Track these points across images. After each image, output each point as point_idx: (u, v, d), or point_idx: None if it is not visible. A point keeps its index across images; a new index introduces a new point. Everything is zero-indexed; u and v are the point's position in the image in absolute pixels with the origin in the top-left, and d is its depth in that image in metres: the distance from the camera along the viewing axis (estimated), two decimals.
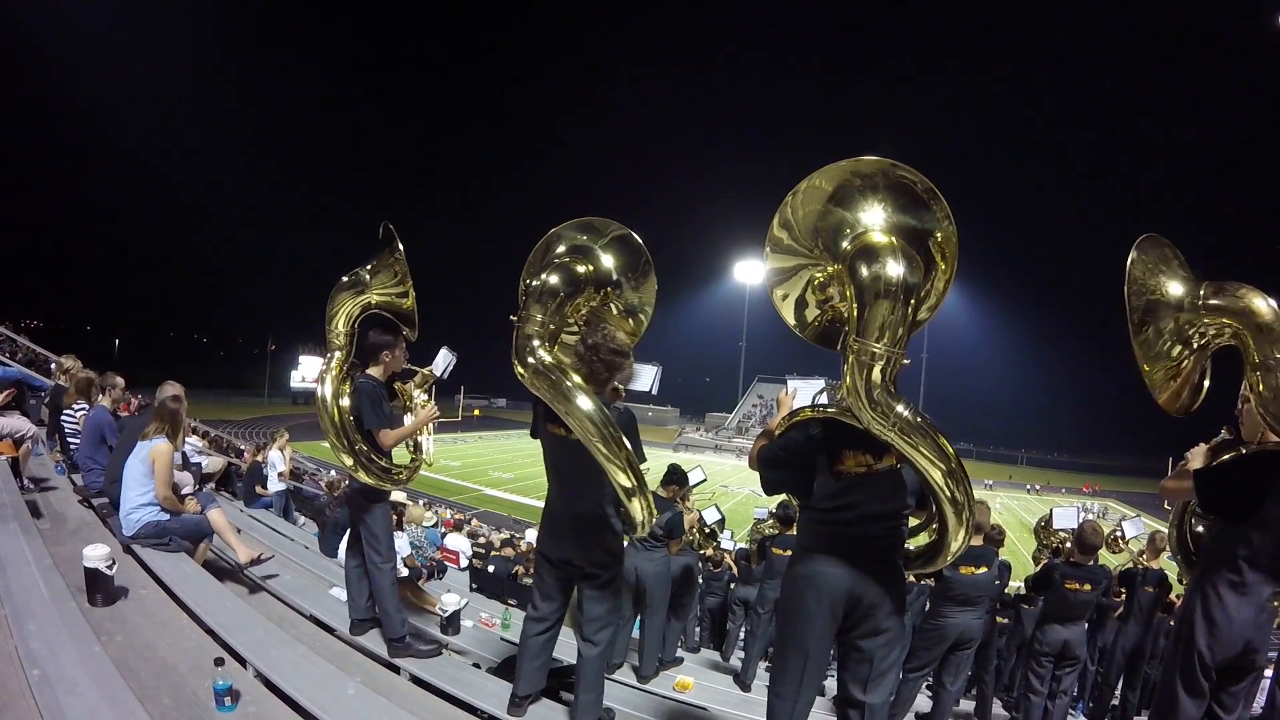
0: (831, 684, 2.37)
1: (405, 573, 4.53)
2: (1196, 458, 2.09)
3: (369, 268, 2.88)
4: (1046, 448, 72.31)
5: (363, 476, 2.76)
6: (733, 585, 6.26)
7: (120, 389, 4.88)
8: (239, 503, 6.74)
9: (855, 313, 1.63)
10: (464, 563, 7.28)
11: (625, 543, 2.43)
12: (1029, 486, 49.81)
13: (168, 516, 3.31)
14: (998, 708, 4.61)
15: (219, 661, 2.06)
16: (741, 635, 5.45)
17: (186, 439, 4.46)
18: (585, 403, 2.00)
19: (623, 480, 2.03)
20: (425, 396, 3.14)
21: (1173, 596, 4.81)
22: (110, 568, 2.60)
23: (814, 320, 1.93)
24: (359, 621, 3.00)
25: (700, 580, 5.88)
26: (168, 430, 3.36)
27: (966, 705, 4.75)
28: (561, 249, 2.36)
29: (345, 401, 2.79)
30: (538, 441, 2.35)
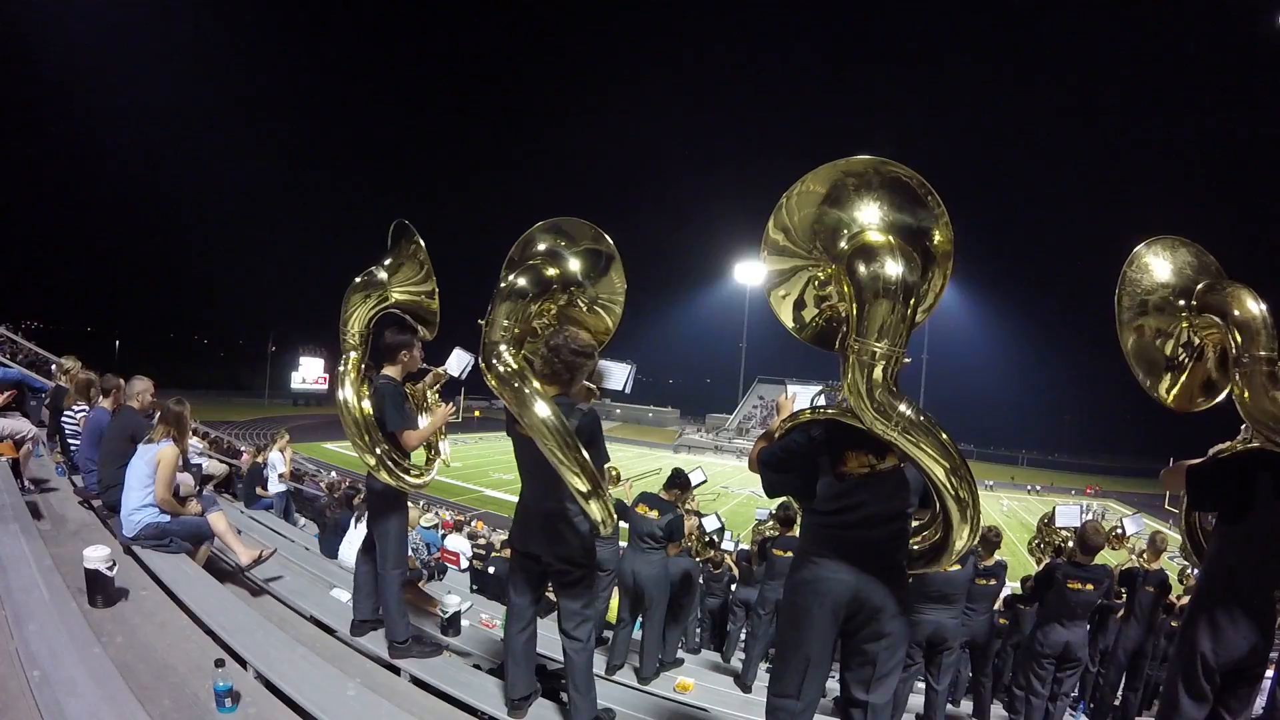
0: (832, 684, 2.36)
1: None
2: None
3: (386, 264, 2.87)
4: (1047, 448, 72.32)
5: (384, 477, 2.75)
6: (733, 586, 6.25)
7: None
8: (239, 504, 6.74)
9: (855, 312, 1.63)
10: (464, 564, 7.27)
11: (597, 538, 2.46)
12: (1030, 487, 49.81)
13: (168, 518, 3.31)
14: (998, 709, 4.60)
15: (219, 663, 2.06)
16: (742, 636, 5.45)
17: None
18: (542, 409, 2.08)
19: (578, 484, 2.11)
20: (435, 396, 3.15)
21: (1173, 597, 4.81)
22: (111, 569, 2.61)
23: (812, 321, 1.93)
24: (361, 623, 3.00)
25: (701, 582, 5.88)
26: (174, 434, 3.38)
27: (967, 706, 4.75)
28: (536, 249, 2.41)
29: (367, 404, 2.77)
30: None
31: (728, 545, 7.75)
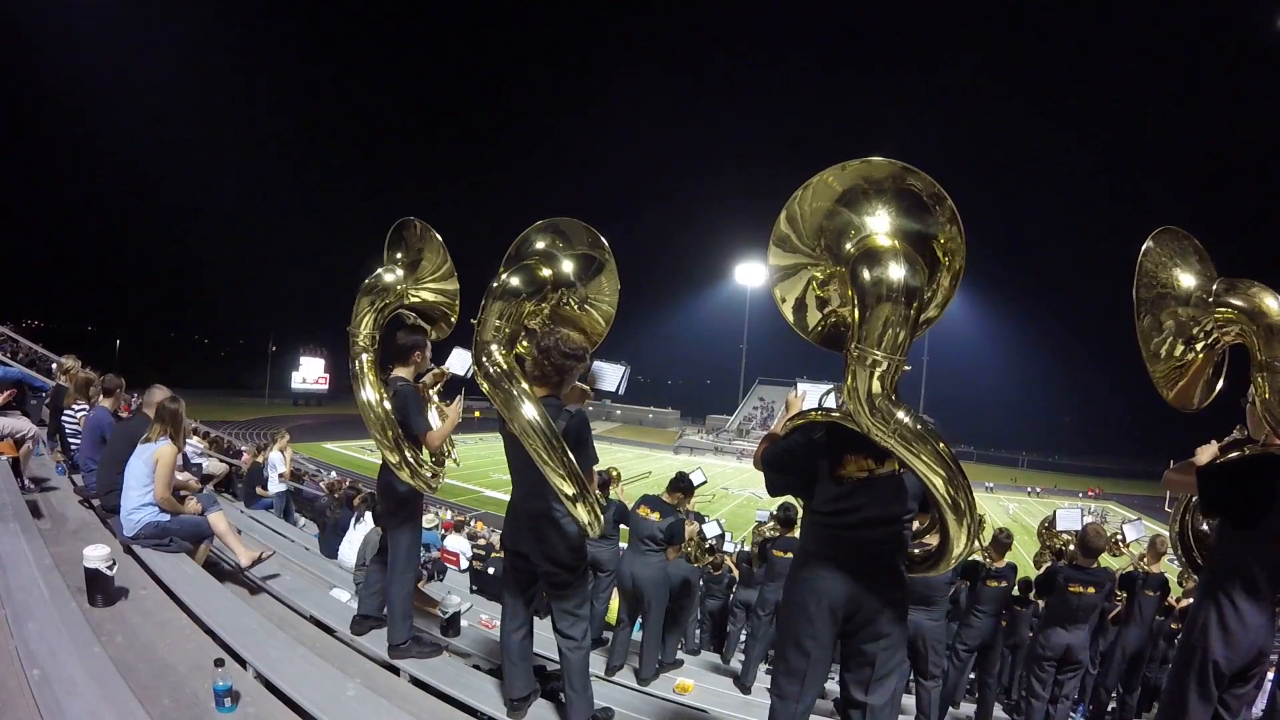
0: (832, 685, 2.36)
1: None
2: (1205, 454, 2.05)
3: (399, 260, 2.86)
4: (1048, 450, 72.23)
5: (406, 477, 2.74)
6: (733, 588, 6.25)
7: (120, 389, 4.85)
8: (239, 504, 6.74)
9: (857, 317, 1.62)
10: (464, 564, 7.26)
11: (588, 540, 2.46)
12: (1030, 489, 49.74)
13: (168, 517, 3.31)
14: (998, 710, 4.60)
15: (219, 662, 2.06)
16: (742, 638, 5.45)
17: (187, 440, 4.46)
18: (529, 410, 2.08)
19: (564, 487, 2.11)
20: (436, 395, 3.16)
21: (1172, 600, 4.80)
22: (110, 568, 2.60)
23: (816, 324, 1.92)
24: (362, 618, 2.99)
25: (701, 583, 5.87)
26: (170, 432, 3.38)
27: (967, 708, 4.74)
28: (533, 247, 2.42)
29: (387, 404, 2.74)
30: None
31: (728, 547, 7.76)
